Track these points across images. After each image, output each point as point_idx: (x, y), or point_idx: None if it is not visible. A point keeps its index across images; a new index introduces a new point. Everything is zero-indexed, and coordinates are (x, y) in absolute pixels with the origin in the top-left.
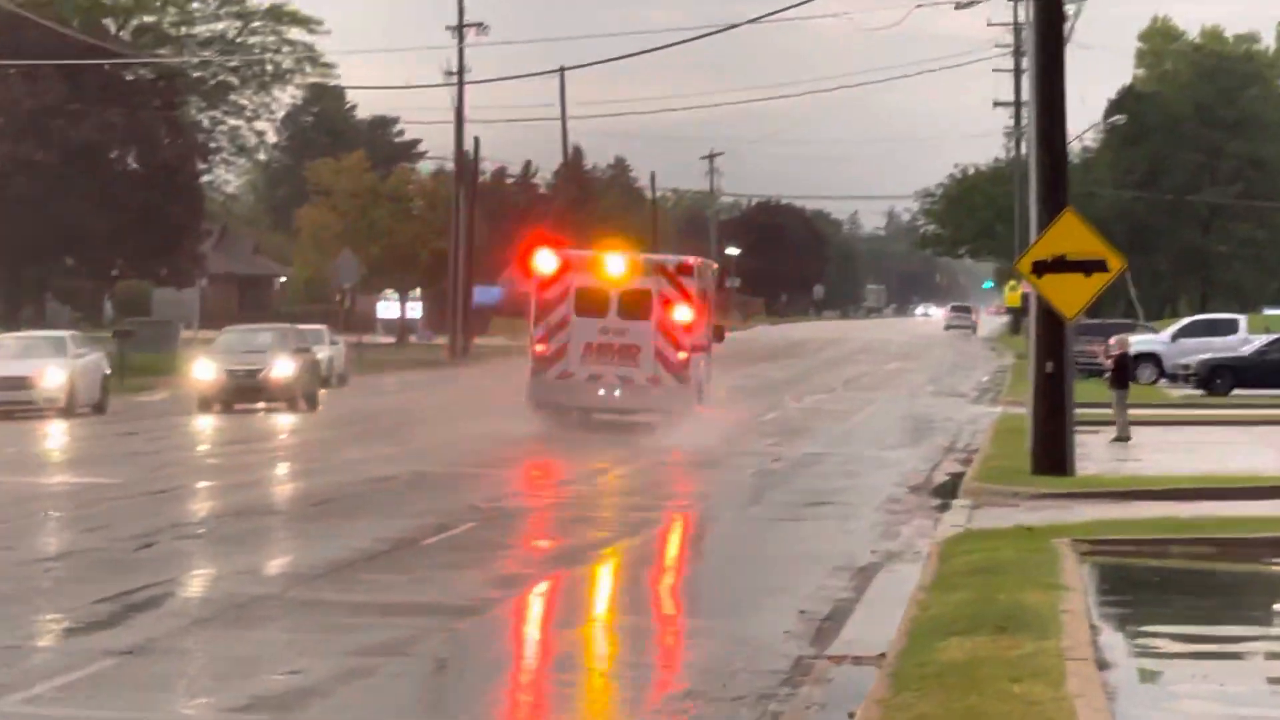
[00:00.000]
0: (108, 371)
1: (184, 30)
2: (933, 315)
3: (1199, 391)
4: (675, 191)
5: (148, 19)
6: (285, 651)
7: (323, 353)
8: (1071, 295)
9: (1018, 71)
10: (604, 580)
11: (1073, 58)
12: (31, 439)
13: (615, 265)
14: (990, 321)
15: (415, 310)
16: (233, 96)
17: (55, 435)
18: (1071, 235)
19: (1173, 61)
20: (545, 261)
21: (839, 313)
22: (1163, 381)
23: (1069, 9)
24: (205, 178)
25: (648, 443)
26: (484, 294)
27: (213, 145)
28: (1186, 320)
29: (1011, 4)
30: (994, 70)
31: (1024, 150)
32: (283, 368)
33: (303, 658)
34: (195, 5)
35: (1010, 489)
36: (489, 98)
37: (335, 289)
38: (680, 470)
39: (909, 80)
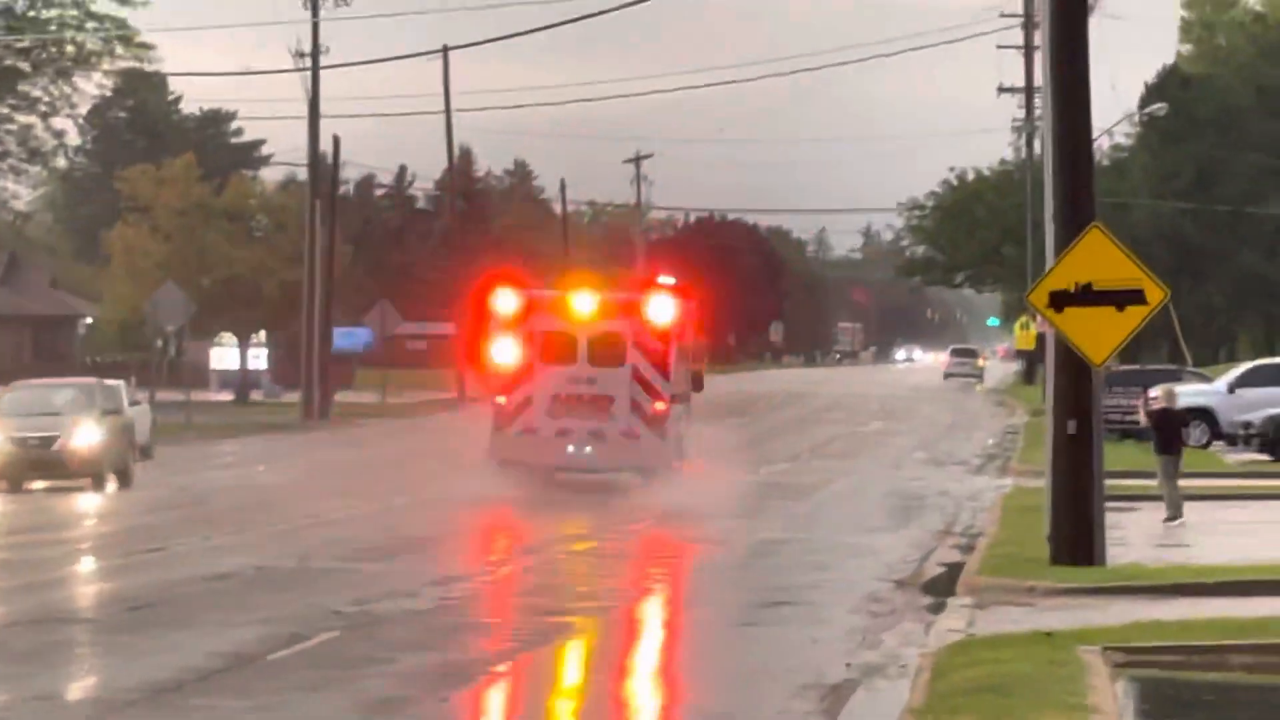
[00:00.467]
0: None
1: None
2: (917, 361)
3: (1264, 456)
4: (592, 204)
5: None
6: None
7: None
8: (1100, 335)
9: (1029, 48)
10: (495, 709)
11: (1099, 30)
12: None
13: (583, 305)
14: (997, 369)
15: (260, 359)
16: (22, 86)
17: None
18: (1099, 258)
19: (1227, 35)
20: (504, 302)
21: (803, 358)
22: (1217, 444)
23: None
24: None
25: (555, 524)
26: (348, 338)
27: None
28: (1247, 366)
29: None
30: (998, 47)
31: (1038, 149)
32: (86, 435)
33: None
34: None
35: (1023, 583)
36: (352, 86)
37: (156, 333)
38: (601, 560)
39: (889, 61)
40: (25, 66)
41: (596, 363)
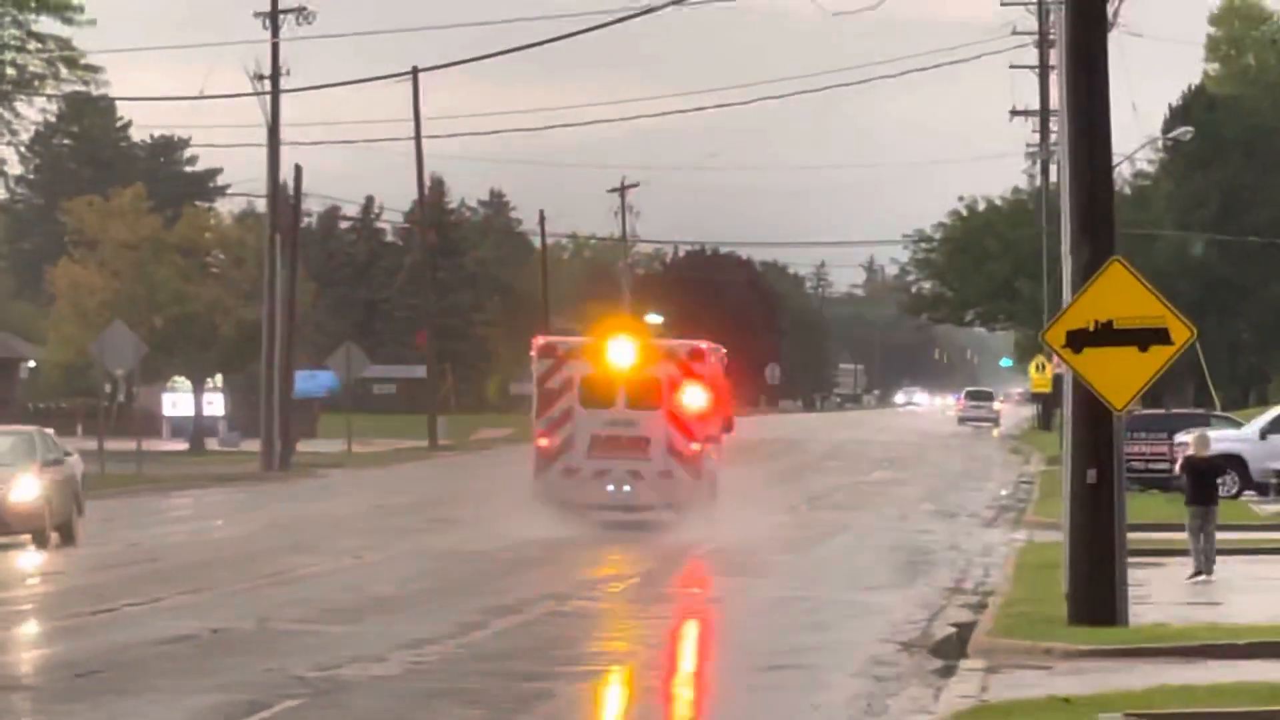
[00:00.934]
0: None
1: None
2: (921, 405)
3: None
4: (574, 237)
5: None
6: None
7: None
8: (1121, 377)
9: (1044, 68)
10: None
11: (1119, 49)
12: None
13: (622, 352)
14: (1011, 413)
15: (216, 404)
16: None
17: None
18: (1120, 294)
19: (1256, 53)
20: (548, 351)
21: (801, 403)
22: (1248, 493)
23: None
24: None
25: (534, 581)
26: (310, 382)
27: None
28: None
29: None
30: (1011, 67)
31: (1054, 176)
32: (25, 488)
33: None
34: None
35: (1040, 644)
36: (315, 111)
37: (104, 376)
38: (584, 621)
39: (894, 82)
40: None
41: (634, 406)
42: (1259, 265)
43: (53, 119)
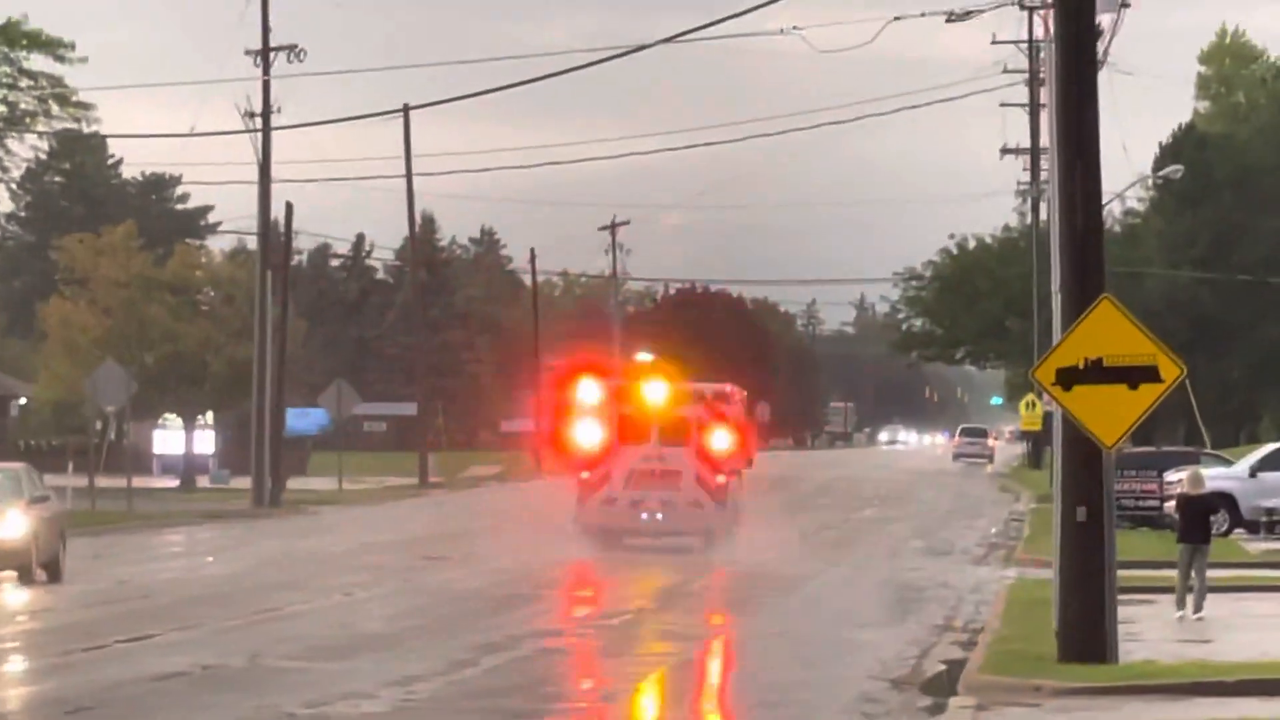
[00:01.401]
0: None
1: None
2: (907, 444)
3: None
4: (565, 275)
5: None
6: None
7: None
8: (1111, 415)
9: (1034, 106)
10: None
11: (1110, 87)
12: None
13: (656, 394)
14: (1002, 451)
15: (206, 442)
16: None
17: None
18: (1110, 332)
19: (1247, 92)
20: (589, 392)
21: (791, 440)
22: (1238, 531)
23: (1104, 19)
24: None
25: (524, 618)
26: (301, 419)
27: None
28: (1270, 448)
29: (1025, 13)
30: (1001, 105)
31: (1044, 215)
32: (12, 525)
33: None
34: None
35: (1030, 682)
36: (306, 149)
37: (95, 414)
38: (574, 657)
39: (884, 120)
40: None
41: (666, 442)
42: (1249, 304)
43: (44, 156)
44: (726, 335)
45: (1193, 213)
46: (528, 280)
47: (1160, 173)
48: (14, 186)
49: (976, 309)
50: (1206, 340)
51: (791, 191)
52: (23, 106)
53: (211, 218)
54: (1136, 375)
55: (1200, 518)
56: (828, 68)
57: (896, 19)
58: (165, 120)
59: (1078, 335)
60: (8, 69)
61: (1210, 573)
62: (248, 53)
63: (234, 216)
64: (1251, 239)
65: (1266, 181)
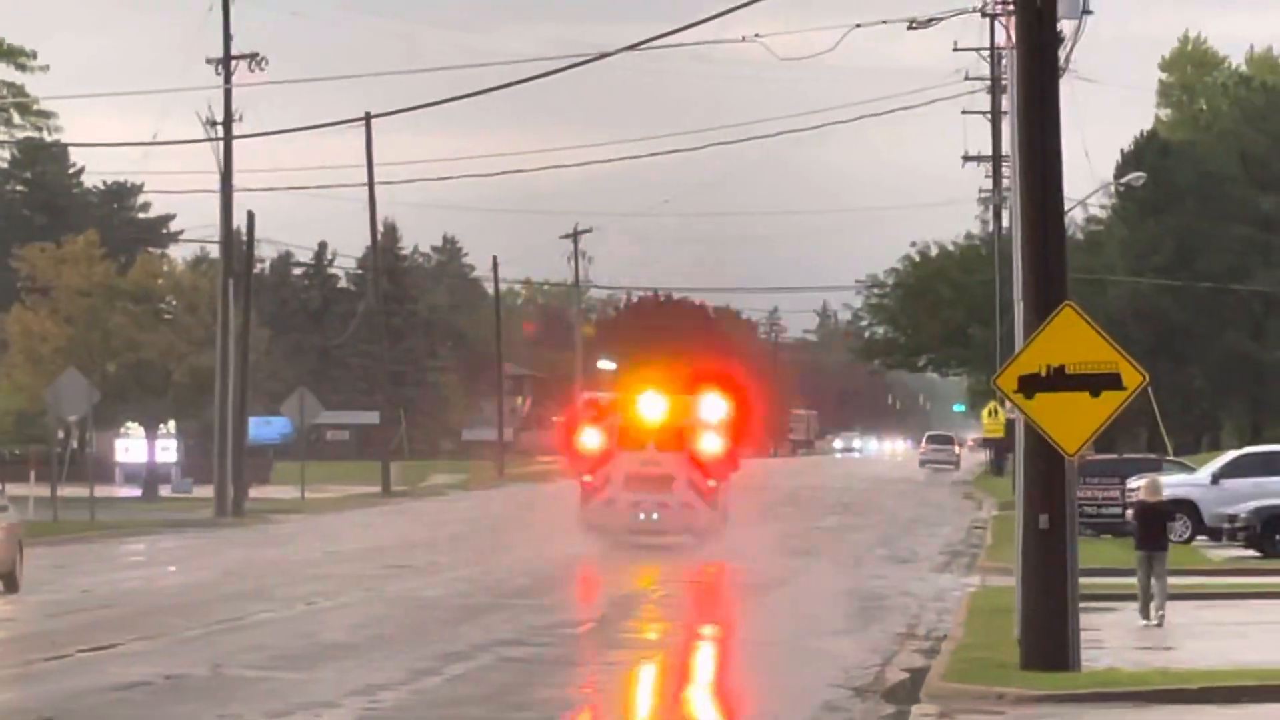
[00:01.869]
0: None
1: None
2: (864, 452)
3: (1250, 552)
4: (528, 283)
5: None
6: None
7: None
8: (1073, 422)
9: (996, 114)
10: None
11: (1071, 94)
12: None
13: (651, 403)
14: (965, 459)
15: (169, 451)
16: None
17: None
18: (1072, 340)
19: (1209, 98)
20: (591, 403)
21: (753, 449)
22: (1200, 538)
23: (1065, 26)
24: None
25: (487, 628)
26: (264, 428)
27: None
28: (1233, 455)
29: (987, 20)
30: (963, 113)
31: (1006, 222)
32: None
33: None
34: None
35: (992, 689)
36: (268, 157)
37: (57, 423)
38: (536, 667)
39: (846, 128)
40: None
41: (661, 449)
42: (1211, 311)
43: (5, 165)
44: (689, 342)
45: (1155, 220)
46: (490, 288)
47: (1122, 180)
48: None
49: (939, 316)
50: (1169, 348)
51: (754, 200)
52: None
53: (174, 226)
54: (1099, 383)
55: (1158, 525)
56: (790, 76)
57: (858, 26)
58: (127, 129)
59: (1040, 343)
60: None
61: (1172, 580)
62: (209, 61)
63: (196, 225)
64: (1214, 247)
65: (1229, 189)
